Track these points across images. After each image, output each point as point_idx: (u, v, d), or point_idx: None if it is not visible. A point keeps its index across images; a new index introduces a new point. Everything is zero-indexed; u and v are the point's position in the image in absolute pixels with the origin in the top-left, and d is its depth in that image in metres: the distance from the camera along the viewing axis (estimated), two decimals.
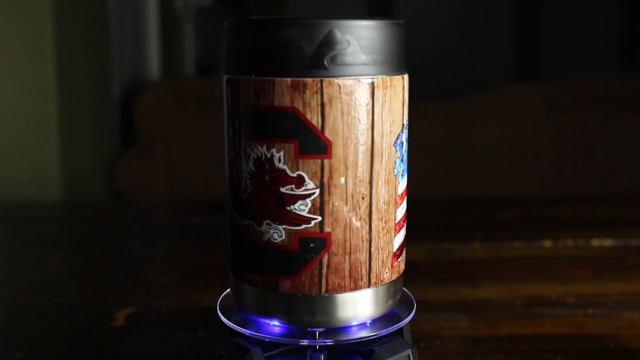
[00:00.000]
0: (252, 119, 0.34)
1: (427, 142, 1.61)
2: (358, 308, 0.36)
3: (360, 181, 0.34)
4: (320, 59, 0.33)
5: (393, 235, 0.36)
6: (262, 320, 0.37)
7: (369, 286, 0.35)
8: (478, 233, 0.86)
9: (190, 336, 0.56)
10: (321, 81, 0.33)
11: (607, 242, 0.81)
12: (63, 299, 0.67)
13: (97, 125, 1.52)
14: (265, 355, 0.37)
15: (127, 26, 1.66)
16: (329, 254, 0.34)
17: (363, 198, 0.34)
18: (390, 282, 0.37)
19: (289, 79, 0.33)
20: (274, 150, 0.34)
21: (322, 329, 0.36)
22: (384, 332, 0.37)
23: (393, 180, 0.35)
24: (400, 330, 0.39)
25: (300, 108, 0.33)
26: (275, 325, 0.36)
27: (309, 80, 0.33)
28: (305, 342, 0.36)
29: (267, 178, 0.34)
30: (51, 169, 1.25)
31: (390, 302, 0.37)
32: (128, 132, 1.65)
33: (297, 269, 0.35)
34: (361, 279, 0.35)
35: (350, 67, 0.33)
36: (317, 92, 0.33)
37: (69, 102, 1.28)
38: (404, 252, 0.38)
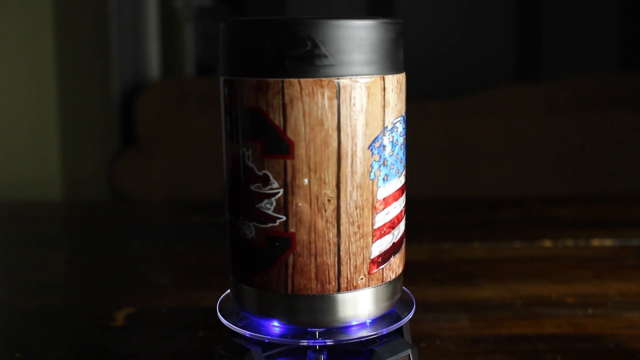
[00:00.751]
0: (230, 118, 0.35)
1: (427, 142, 1.60)
2: (323, 311, 0.35)
3: (325, 183, 0.34)
4: (281, 60, 0.33)
5: (370, 242, 0.35)
6: (245, 314, 0.38)
7: (338, 291, 0.35)
8: (478, 233, 0.86)
9: (190, 336, 0.56)
10: (282, 82, 0.33)
11: (607, 242, 0.81)
12: (63, 299, 0.67)
13: (97, 125, 1.52)
14: (265, 354, 0.37)
15: (127, 26, 1.66)
16: (294, 254, 0.34)
17: (329, 200, 0.34)
18: (369, 287, 0.36)
19: (254, 79, 0.34)
20: (244, 148, 0.35)
21: (321, 329, 0.36)
22: (384, 331, 0.37)
23: (368, 185, 0.35)
24: (400, 330, 0.39)
25: (264, 108, 0.34)
26: (274, 326, 0.36)
27: (271, 80, 0.33)
28: (305, 343, 0.36)
29: (240, 175, 0.35)
30: (51, 169, 1.25)
31: (370, 309, 0.36)
32: (128, 132, 1.65)
33: (265, 266, 0.35)
34: (329, 282, 0.35)
35: (313, 68, 0.33)
36: (278, 93, 0.33)
37: (69, 102, 1.28)
38: (394, 259, 0.37)
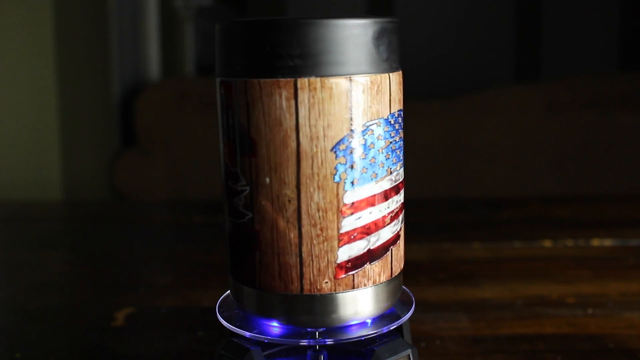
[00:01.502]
0: (218, 116, 0.37)
1: (427, 142, 1.61)
2: (289, 310, 0.35)
3: (285, 183, 0.34)
4: (244, 61, 0.34)
5: (336, 245, 0.34)
6: (237, 310, 0.39)
7: (301, 291, 0.35)
8: (478, 233, 0.86)
9: (190, 336, 0.56)
10: (245, 82, 0.34)
11: (607, 242, 0.81)
12: (63, 299, 0.67)
13: (97, 125, 1.52)
14: (265, 353, 0.37)
15: (127, 26, 1.66)
16: (260, 251, 0.35)
17: (289, 201, 0.34)
18: (337, 292, 0.35)
19: (226, 79, 0.35)
20: (223, 145, 0.36)
21: (322, 329, 0.36)
22: (385, 329, 0.37)
23: (332, 187, 0.34)
24: (400, 330, 0.39)
25: (234, 107, 0.35)
26: (275, 326, 0.36)
27: (238, 81, 0.34)
28: (305, 342, 0.36)
29: (222, 171, 0.37)
30: (51, 169, 1.25)
31: (335, 315, 0.35)
32: (128, 132, 1.65)
33: (240, 260, 0.36)
34: (292, 282, 0.35)
35: (272, 69, 0.33)
36: (242, 93, 0.34)
37: (69, 102, 1.28)
38: (372, 266, 0.36)
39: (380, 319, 0.38)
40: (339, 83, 0.33)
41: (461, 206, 1.05)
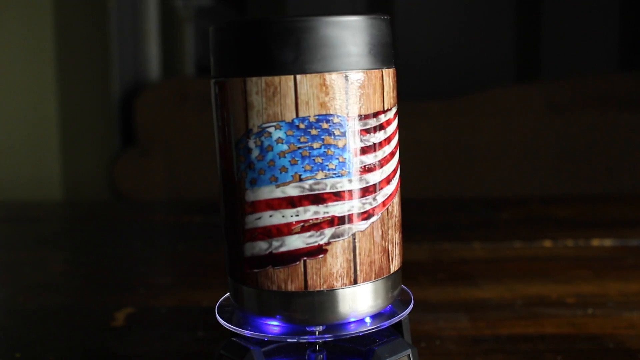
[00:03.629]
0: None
1: (427, 142, 1.61)
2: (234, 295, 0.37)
3: (217, 173, 0.37)
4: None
5: (241, 240, 0.35)
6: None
7: (229, 277, 0.37)
8: (478, 233, 0.86)
9: (190, 336, 0.56)
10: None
11: (607, 242, 0.81)
12: (63, 299, 0.67)
13: (97, 125, 1.52)
14: (263, 350, 0.37)
15: (127, 26, 1.66)
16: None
17: (219, 189, 0.37)
18: (245, 285, 0.36)
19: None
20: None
21: (322, 327, 0.36)
22: (385, 324, 0.36)
23: (237, 183, 0.35)
24: (400, 330, 0.39)
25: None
26: (274, 325, 0.36)
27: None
28: (304, 339, 0.36)
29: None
30: (51, 169, 1.25)
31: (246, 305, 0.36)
32: (128, 132, 1.65)
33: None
34: (226, 267, 0.38)
35: (212, 69, 0.37)
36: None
37: (69, 102, 1.28)
38: (277, 271, 0.35)
39: (378, 316, 0.37)
40: (234, 83, 0.34)
41: (461, 206, 1.05)
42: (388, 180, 0.36)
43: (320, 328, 0.36)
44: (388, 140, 0.36)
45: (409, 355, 0.37)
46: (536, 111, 1.64)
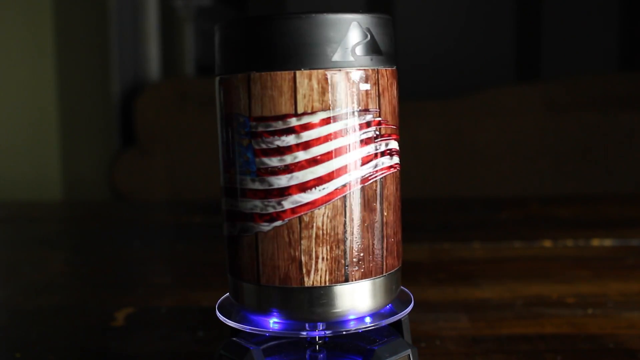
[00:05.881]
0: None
1: (427, 142, 1.61)
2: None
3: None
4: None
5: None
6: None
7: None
8: (478, 233, 0.86)
9: (190, 336, 0.56)
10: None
11: (607, 242, 0.81)
12: (63, 299, 0.67)
13: (97, 125, 1.52)
14: (262, 347, 0.37)
15: (127, 26, 1.66)
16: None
17: None
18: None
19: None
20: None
21: (321, 324, 0.36)
22: (384, 322, 0.36)
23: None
24: (400, 330, 0.39)
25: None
26: (275, 322, 0.36)
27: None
28: (302, 334, 0.36)
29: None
30: (51, 169, 1.25)
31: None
32: (128, 132, 1.65)
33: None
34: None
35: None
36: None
37: (69, 102, 1.28)
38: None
39: (378, 316, 0.37)
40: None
41: (461, 206, 1.05)
42: (303, 188, 0.34)
43: (320, 326, 0.36)
44: (305, 146, 0.33)
45: (409, 355, 0.37)
46: (536, 111, 1.64)
